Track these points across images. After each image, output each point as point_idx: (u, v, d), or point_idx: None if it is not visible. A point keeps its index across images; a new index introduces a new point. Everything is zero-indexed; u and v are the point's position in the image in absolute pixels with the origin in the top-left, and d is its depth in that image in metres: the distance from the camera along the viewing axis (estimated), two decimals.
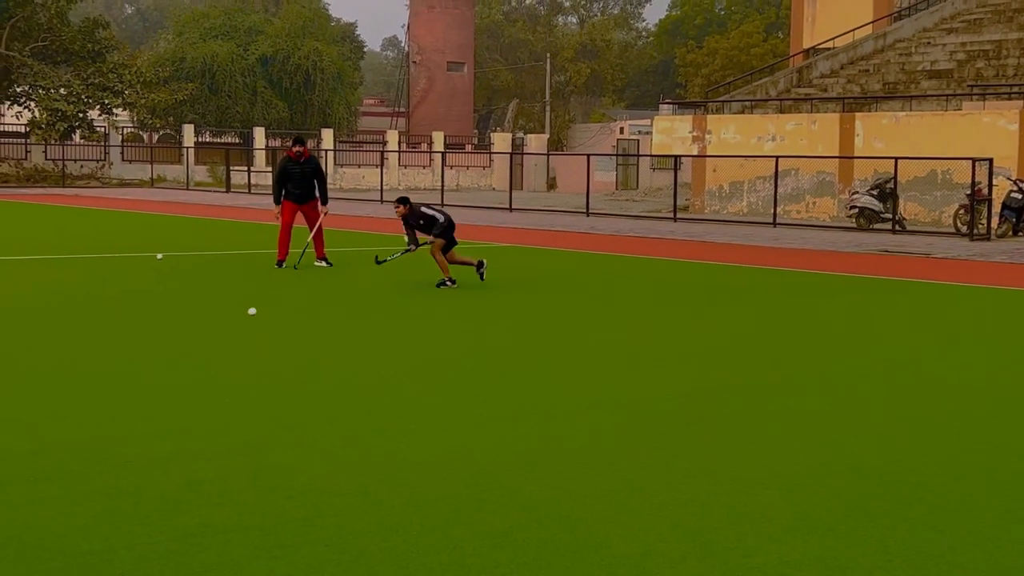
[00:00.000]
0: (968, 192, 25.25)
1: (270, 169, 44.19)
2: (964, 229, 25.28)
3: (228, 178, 44.80)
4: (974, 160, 24.96)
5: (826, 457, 6.51)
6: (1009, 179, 25.92)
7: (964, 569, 4.76)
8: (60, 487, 5.65)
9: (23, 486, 5.67)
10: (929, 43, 36.65)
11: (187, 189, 45.05)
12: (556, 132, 63.57)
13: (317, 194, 16.78)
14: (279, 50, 55.46)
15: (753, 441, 6.86)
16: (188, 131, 50.82)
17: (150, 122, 51.70)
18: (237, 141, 53.78)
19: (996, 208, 25.54)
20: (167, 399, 7.72)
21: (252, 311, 11.59)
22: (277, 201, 16.71)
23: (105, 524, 5.12)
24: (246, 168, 45.46)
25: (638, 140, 55.13)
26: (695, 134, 34.63)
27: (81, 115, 46.49)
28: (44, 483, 5.71)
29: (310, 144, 54.33)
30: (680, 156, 34.33)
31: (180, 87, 50.83)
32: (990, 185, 25.23)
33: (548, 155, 52.31)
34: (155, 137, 54.55)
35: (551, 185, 53.94)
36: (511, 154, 46.24)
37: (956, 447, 6.85)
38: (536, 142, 56.64)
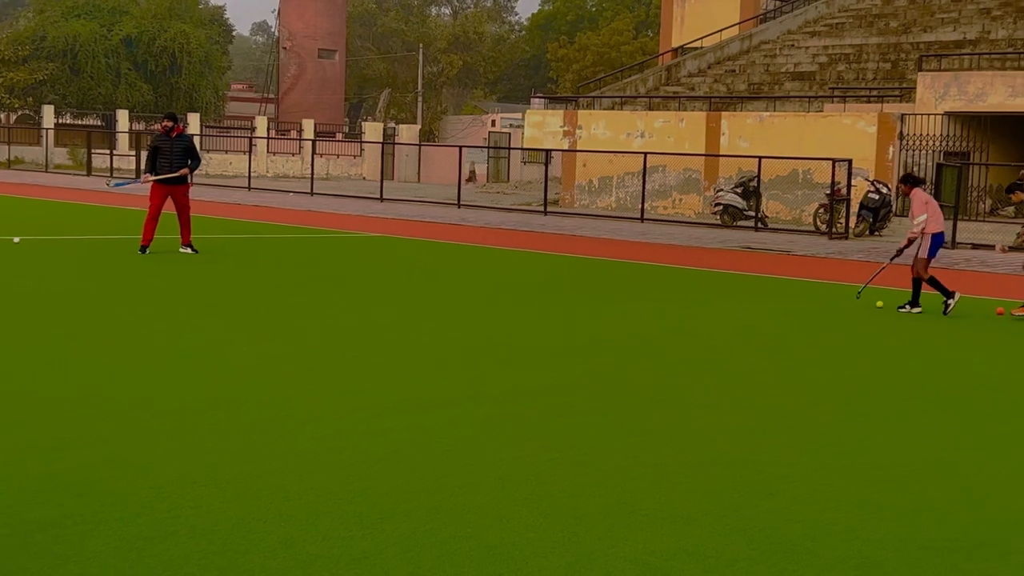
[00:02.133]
0: (828, 192, 26.01)
1: (133, 153, 43.17)
2: (823, 227, 26.03)
3: (89, 161, 43.58)
4: (834, 161, 25.72)
5: (691, 449, 6.64)
6: (867, 180, 26.78)
7: (822, 558, 4.91)
8: None
9: None
10: (793, 46, 37.61)
11: (46, 171, 43.69)
12: (428, 123, 63.43)
13: (190, 179, 16.49)
14: (144, 31, 54.16)
15: (621, 433, 6.95)
16: (48, 112, 49.27)
17: (7, 102, 49.97)
18: (100, 124, 52.35)
19: (854, 208, 26.34)
20: (25, 386, 7.48)
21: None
22: (147, 171, 16.41)
23: None
24: (108, 151, 44.27)
25: (509, 133, 55.38)
26: (566, 129, 34.92)
27: None
28: None
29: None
30: (551, 150, 34.59)
31: (40, 66, 49.30)
32: (849, 185, 26.03)
33: (420, 146, 52.17)
34: (13, 118, 52.74)
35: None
36: (382, 144, 45.98)
37: (816, 440, 7.05)
38: (408, 132, 56.43)
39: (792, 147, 28.88)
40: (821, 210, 26.69)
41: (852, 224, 26.04)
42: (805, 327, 12.15)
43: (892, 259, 14.17)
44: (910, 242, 13.37)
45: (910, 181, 13.55)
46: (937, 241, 13.23)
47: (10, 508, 5.06)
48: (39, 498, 5.21)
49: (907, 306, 13.32)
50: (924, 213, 13.10)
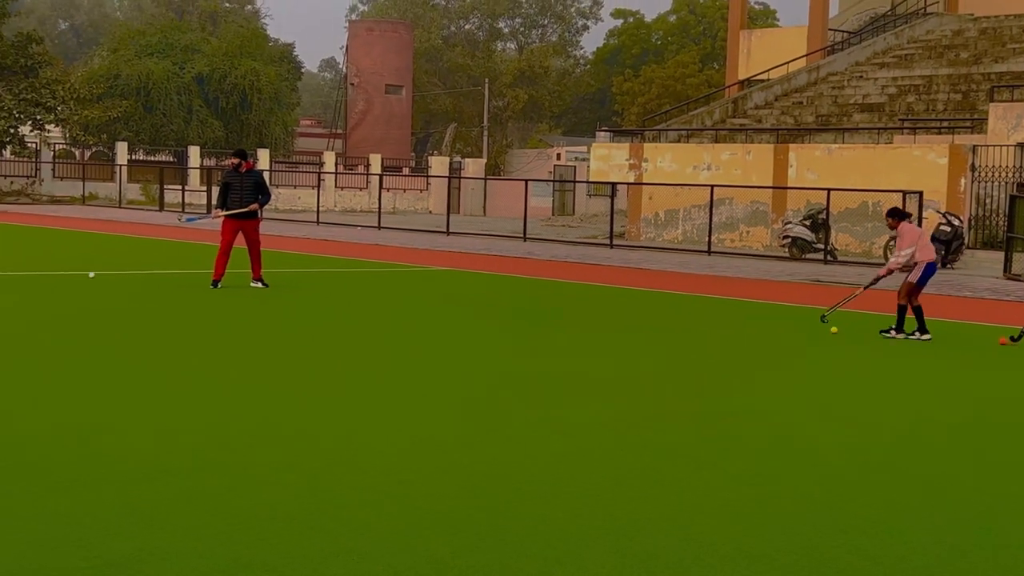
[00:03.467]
0: (917, 226, 25.66)
1: (205, 189, 43.80)
2: None
3: (162, 196, 44.28)
4: (904, 193, 25.42)
5: (764, 484, 6.56)
6: (938, 212, 26.42)
7: None
8: None
9: None
10: (861, 77, 37.33)
11: (120, 207, 44.48)
12: (493, 157, 63.70)
13: (260, 214, 16.69)
14: (216, 69, 55.03)
15: (693, 468, 6.90)
16: (121, 148, 50.18)
17: (83, 139, 50.98)
18: (171, 160, 53.21)
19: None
20: (99, 420, 7.60)
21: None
22: (218, 206, 16.74)
23: (39, 548, 5.01)
24: (180, 187, 44.96)
25: (575, 167, 55.42)
26: (632, 162, 34.90)
27: (12, 130, 45.75)
28: None
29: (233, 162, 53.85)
30: (617, 183, 34.58)
31: (114, 104, 50.23)
32: (920, 218, 25.68)
33: (485, 179, 52.38)
34: (87, 154, 53.80)
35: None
36: (448, 178, 46.22)
37: (887, 475, 6.94)
38: (473, 166, 56.71)
39: (861, 179, 28.60)
40: (891, 243, 26.33)
41: None
42: (878, 360, 11.98)
43: (867, 287, 14.16)
44: (889, 272, 13.56)
45: (897, 215, 13.65)
46: (929, 270, 13.35)
47: (88, 541, 5.13)
48: (116, 531, 5.28)
49: (915, 333, 13.35)
50: (912, 247, 13.24)
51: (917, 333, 13.36)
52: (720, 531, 5.63)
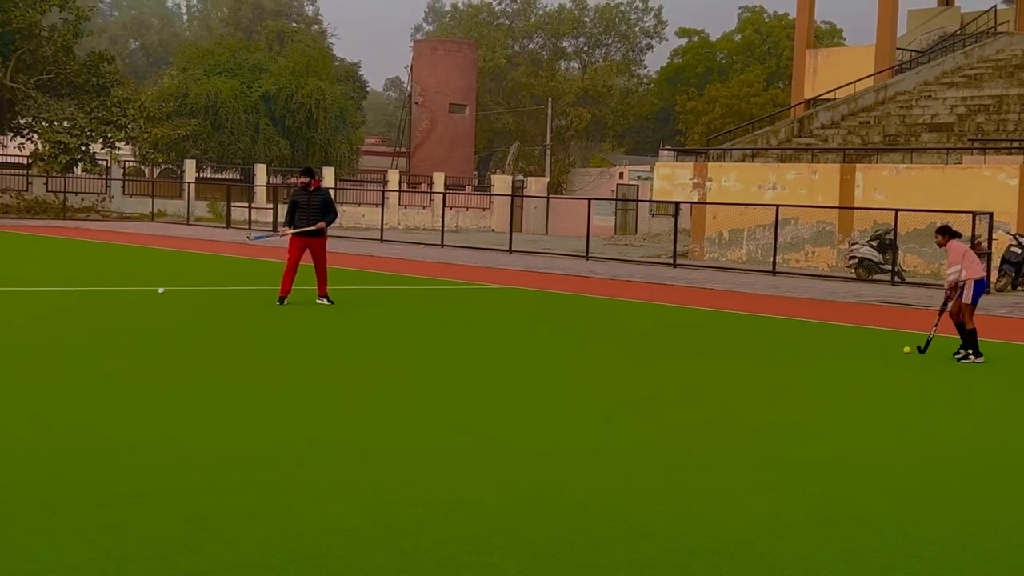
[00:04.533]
0: (968, 246, 25.32)
1: (271, 206, 44.30)
2: None
3: (229, 214, 44.86)
4: (974, 214, 25.07)
5: (830, 507, 6.50)
6: (1009, 233, 26.03)
7: None
8: (69, 520, 5.63)
9: (32, 518, 5.64)
10: (930, 96, 36.91)
11: (187, 224, 45.11)
12: (556, 175, 63.76)
13: (325, 232, 16.77)
14: (282, 88, 55.69)
15: (756, 490, 6.84)
16: (190, 166, 50.93)
17: (152, 156, 51.80)
18: (238, 177, 53.90)
19: (996, 262, 25.61)
20: (173, 433, 7.70)
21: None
22: (286, 224, 16.86)
23: (114, 558, 5.09)
24: (247, 204, 45.52)
25: (637, 186, 55.33)
26: (696, 181, 34.76)
27: (83, 148, 46.62)
28: (53, 515, 5.69)
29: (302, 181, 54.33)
30: (680, 202, 34.46)
31: (183, 122, 51.00)
32: (990, 239, 25.33)
33: (548, 198, 52.45)
34: (156, 171, 54.64)
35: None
36: (511, 196, 46.35)
37: (959, 501, 6.83)
38: (536, 185, 56.81)
39: (930, 200, 28.24)
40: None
41: (994, 279, 25.31)
42: (948, 384, 11.81)
43: (942, 311, 13.90)
44: (949, 290, 13.47)
45: (947, 233, 13.65)
46: (980, 287, 13.36)
47: (160, 553, 5.20)
48: (189, 543, 5.35)
49: (963, 352, 13.32)
50: (958, 264, 13.25)
51: (962, 352, 13.38)
52: (786, 552, 5.58)
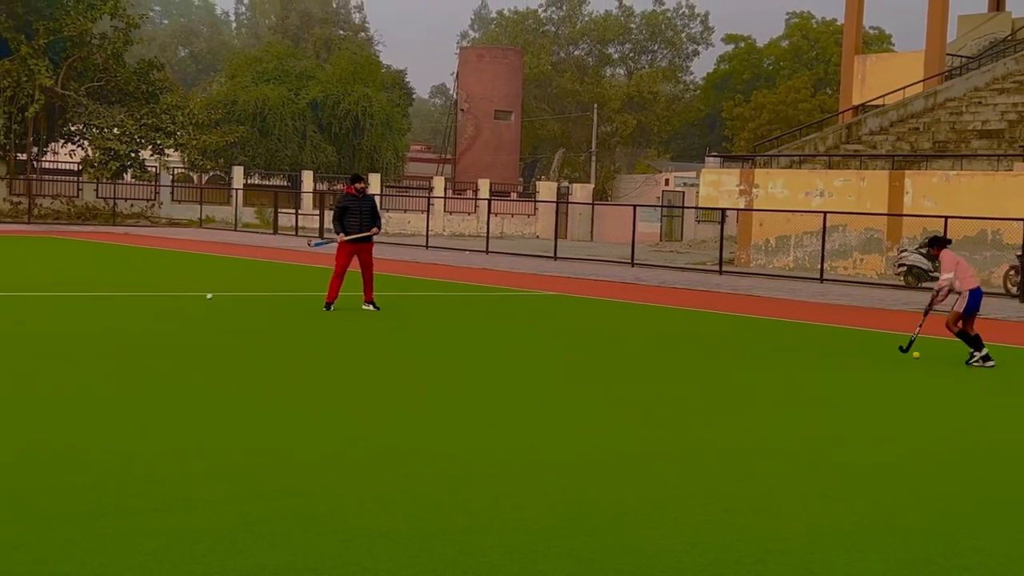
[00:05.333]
0: (1019, 253, 25.02)
1: (317, 212, 44.57)
2: (1014, 290, 25.03)
3: (276, 220, 45.19)
4: None
5: (881, 516, 6.43)
6: None
7: None
8: (116, 524, 5.68)
9: (79, 522, 5.71)
10: (980, 103, 36.51)
11: (235, 230, 45.48)
12: (601, 182, 63.71)
13: (372, 238, 16.89)
14: (329, 95, 56.05)
15: (806, 497, 6.79)
16: (238, 173, 51.37)
17: (200, 163, 52.30)
18: (285, 184, 54.28)
19: None
20: (220, 438, 7.76)
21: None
22: (340, 231, 16.80)
23: (161, 563, 5.14)
24: (294, 211, 45.84)
25: (683, 192, 55.13)
26: (742, 187, 34.59)
27: (133, 155, 47.17)
28: (100, 519, 5.75)
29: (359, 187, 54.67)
30: (727, 209, 34.29)
31: (231, 129, 51.46)
32: None
33: (593, 205, 52.36)
34: (204, 178, 55.15)
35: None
36: (556, 203, 46.34)
37: (1011, 513, 6.74)
38: (581, 191, 56.78)
39: (980, 207, 27.93)
40: (1011, 272, 25.68)
41: None
42: (996, 392, 11.67)
43: (926, 312, 14.16)
44: (936, 294, 13.69)
45: (938, 243, 13.90)
46: (976, 296, 13.50)
47: (208, 558, 5.24)
48: (236, 548, 5.38)
49: (977, 357, 13.48)
50: (950, 272, 13.45)
51: (977, 358, 13.52)
52: (834, 562, 5.53)
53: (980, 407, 10.76)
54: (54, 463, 6.90)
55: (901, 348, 14.00)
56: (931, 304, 13.95)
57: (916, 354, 13.75)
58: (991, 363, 13.41)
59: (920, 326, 14.16)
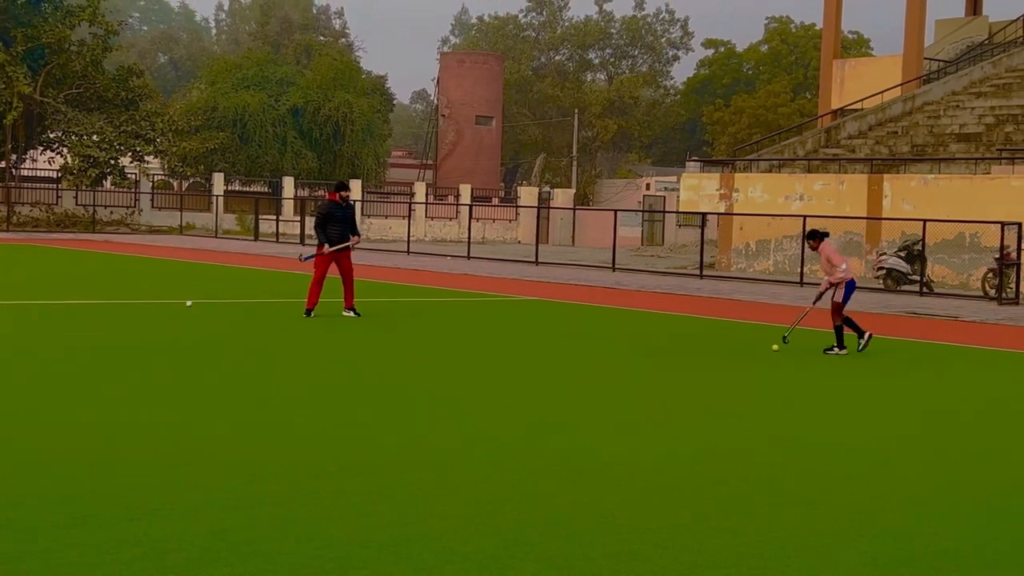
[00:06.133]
0: (996, 256, 25.17)
1: (298, 219, 44.49)
2: (992, 293, 25.18)
3: (256, 227, 45.10)
4: (1003, 224, 24.90)
5: (856, 520, 6.46)
6: None
7: None
8: (91, 534, 5.66)
9: (54, 532, 5.68)
10: (958, 106, 36.72)
11: (215, 237, 45.36)
12: (582, 187, 63.79)
13: (351, 244, 16.91)
14: (310, 101, 55.96)
15: (782, 502, 6.82)
16: (218, 179, 51.23)
17: (180, 170, 52.12)
18: (266, 190, 54.16)
19: None
20: (195, 446, 7.74)
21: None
22: (323, 240, 16.79)
23: (136, 572, 5.12)
24: (275, 217, 45.74)
25: (664, 196, 55.26)
26: (722, 192, 34.70)
27: (113, 162, 46.98)
28: (73, 529, 5.73)
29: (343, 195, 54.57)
30: (707, 213, 34.38)
31: (211, 136, 51.31)
32: (1019, 249, 25.15)
33: (574, 209, 52.42)
34: (185, 185, 54.97)
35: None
36: (538, 208, 46.39)
37: (980, 512, 6.78)
38: (562, 196, 56.84)
39: (958, 210, 28.08)
40: (990, 275, 25.82)
41: (1023, 289, 25.11)
42: (971, 394, 11.73)
43: (814, 302, 14.85)
44: (830, 286, 14.25)
45: (817, 236, 14.39)
46: (849, 287, 14.18)
47: (184, 565, 5.23)
48: (211, 557, 5.37)
49: (834, 348, 14.21)
50: (844, 262, 14.06)
51: (835, 348, 14.23)
52: (808, 565, 5.55)
53: (959, 411, 10.80)
54: (28, 473, 6.87)
55: (784, 339, 14.64)
56: (820, 296, 14.54)
57: (775, 347, 14.36)
58: (844, 351, 14.16)
59: (802, 318, 14.97)
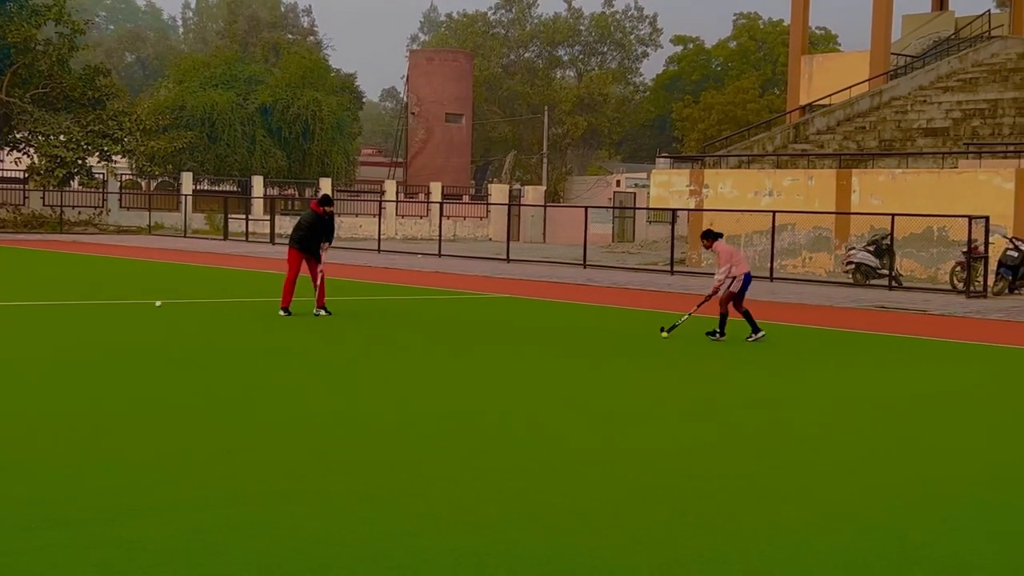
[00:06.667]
0: (964, 250, 25.36)
1: (268, 217, 44.29)
2: (960, 286, 25.36)
3: (226, 226, 44.84)
4: (970, 218, 25.09)
5: (834, 515, 6.48)
6: (1005, 237, 26.03)
7: None
8: (62, 535, 5.61)
9: (24, 533, 5.63)
10: (925, 101, 36.96)
11: (185, 236, 45.10)
12: (553, 184, 63.81)
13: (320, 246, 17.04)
14: (279, 100, 55.71)
15: (759, 497, 6.83)
16: (186, 179, 50.92)
17: (149, 169, 51.74)
18: (235, 189, 53.88)
19: (992, 266, 25.61)
20: (167, 447, 7.69)
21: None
22: (307, 246, 16.99)
23: (108, 573, 5.08)
24: (244, 216, 45.51)
25: (634, 193, 55.35)
26: (692, 188, 34.79)
27: (80, 162, 46.57)
28: (44, 531, 5.68)
29: (307, 193, 54.57)
30: (677, 209, 34.47)
31: (179, 135, 50.97)
32: (986, 243, 25.33)
33: (545, 206, 52.42)
34: (153, 184, 54.61)
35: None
36: (508, 205, 46.38)
37: (954, 505, 6.82)
38: (533, 193, 56.83)
39: (926, 204, 28.26)
40: (958, 268, 26.00)
41: (991, 282, 25.31)
42: (941, 388, 11.81)
43: (700, 304, 15.48)
44: (715, 291, 14.98)
45: (711, 236, 15.19)
46: (747, 280, 14.96)
47: (157, 565, 5.19)
48: (184, 556, 5.33)
49: (751, 335, 14.86)
50: (728, 264, 14.76)
51: (753, 335, 14.87)
52: (787, 560, 5.57)
53: (939, 404, 10.87)
54: (1, 475, 6.80)
55: (664, 328, 15.12)
56: (713, 294, 15.07)
57: (664, 334, 14.90)
58: (762, 334, 14.85)
59: (692, 312, 15.41)
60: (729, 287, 14.89)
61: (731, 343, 14.86)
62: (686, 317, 15.44)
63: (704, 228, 16.24)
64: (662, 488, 6.97)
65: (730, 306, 15.01)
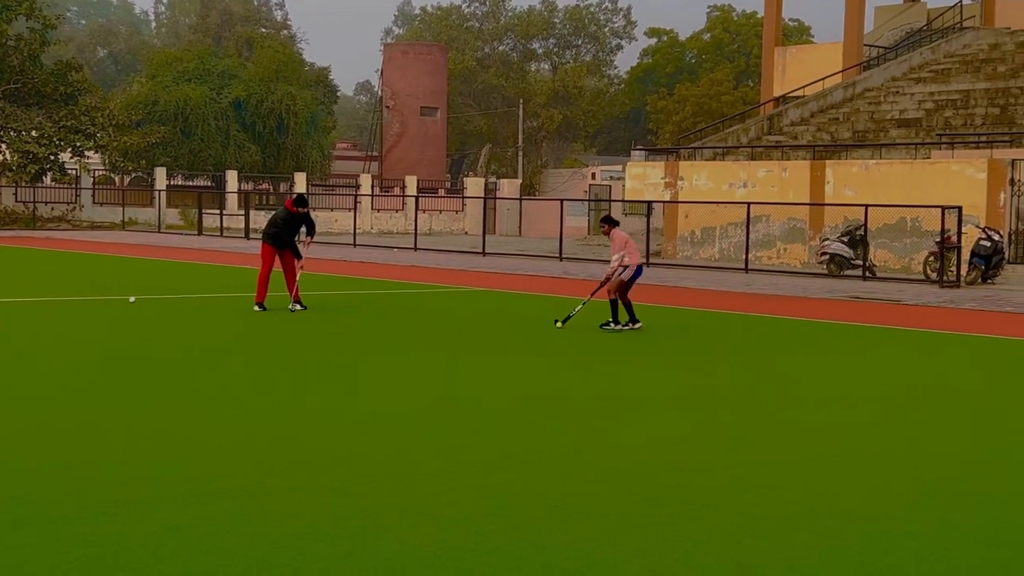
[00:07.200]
0: (937, 240, 25.51)
1: (242, 212, 44.12)
2: (934, 276, 25.52)
3: (200, 221, 44.66)
4: (943, 208, 25.24)
5: (815, 505, 6.52)
6: (978, 227, 26.21)
7: None
8: (39, 533, 5.59)
9: (1, 531, 5.60)
10: (898, 92, 37.15)
11: (159, 232, 44.89)
12: (528, 177, 63.80)
13: (296, 243, 17.17)
14: (252, 94, 55.47)
15: (738, 488, 6.87)
16: (160, 174, 50.66)
17: (122, 165, 51.46)
18: (209, 184, 53.65)
19: (965, 256, 25.79)
20: (146, 444, 7.66)
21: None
22: (283, 241, 17.09)
23: (86, 571, 5.06)
24: (218, 211, 45.33)
25: (610, 186, 55.41)
26: (667, 180, 34.86)
27: (52, 157, 46.27)
28: (21, 529, 5.65)
29: (282, 188, 54.41)
30: (652, 202, 34.54)
31: (152, 130, 50.70)
32: (959, 233, 25.50)
33: (521, 200, 52.43)
34: (127, 180, 54.30)
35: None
36: (484, 199, 46.36)
37: (941, 497, 6.88)
38: (509, 187, 56.82)
39: (899, 195, 28.43)
40: (931, 258, 26.17)
41: (964, 272, 25.49)
42: (915, 378, 11.89)
43: (594, 292, 15.61)
44: (607, 278, 15.17)
45: (610, 222, 15.31)
46: (638, 271, 15.20)
47: (136, 563, 5.18)
48: (163, 553, 5.32)
49: (614, 325, 15.05)
50: (621, 252, 14.96)
51: (630, 324, 15.10)
52: (766, 550, 5.60)
53: (915, 392, 10.94)
54: None
55: (558, 320, 15.25)
56: (606, 281, 15.24)
57: (559, 324, 15.06)
58: (639, 325, 15.10)
59: (586, 301, 15.61)
60: (620, 275, 15.09)
61: (712, 337, 14.90)
62: (580, 307, 15.63)
63: (604, 214, 16.38)
64: (636, 479, 6.99)
65: (621, 292, 15.18)
